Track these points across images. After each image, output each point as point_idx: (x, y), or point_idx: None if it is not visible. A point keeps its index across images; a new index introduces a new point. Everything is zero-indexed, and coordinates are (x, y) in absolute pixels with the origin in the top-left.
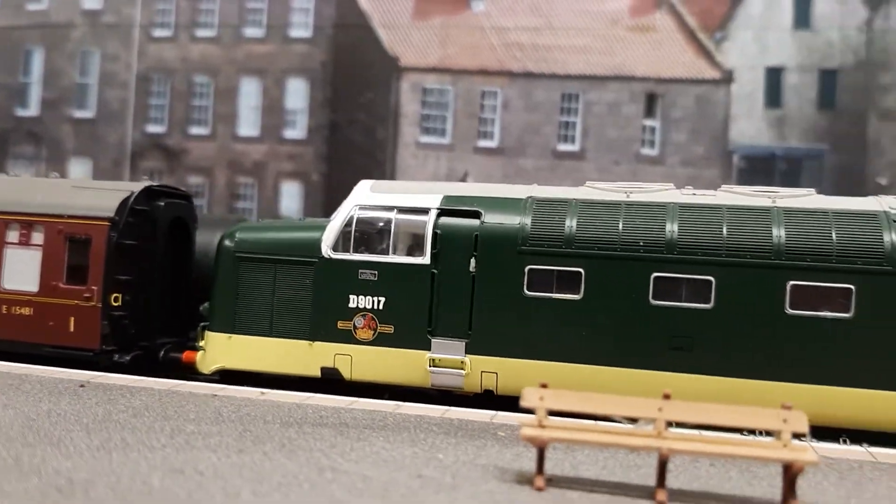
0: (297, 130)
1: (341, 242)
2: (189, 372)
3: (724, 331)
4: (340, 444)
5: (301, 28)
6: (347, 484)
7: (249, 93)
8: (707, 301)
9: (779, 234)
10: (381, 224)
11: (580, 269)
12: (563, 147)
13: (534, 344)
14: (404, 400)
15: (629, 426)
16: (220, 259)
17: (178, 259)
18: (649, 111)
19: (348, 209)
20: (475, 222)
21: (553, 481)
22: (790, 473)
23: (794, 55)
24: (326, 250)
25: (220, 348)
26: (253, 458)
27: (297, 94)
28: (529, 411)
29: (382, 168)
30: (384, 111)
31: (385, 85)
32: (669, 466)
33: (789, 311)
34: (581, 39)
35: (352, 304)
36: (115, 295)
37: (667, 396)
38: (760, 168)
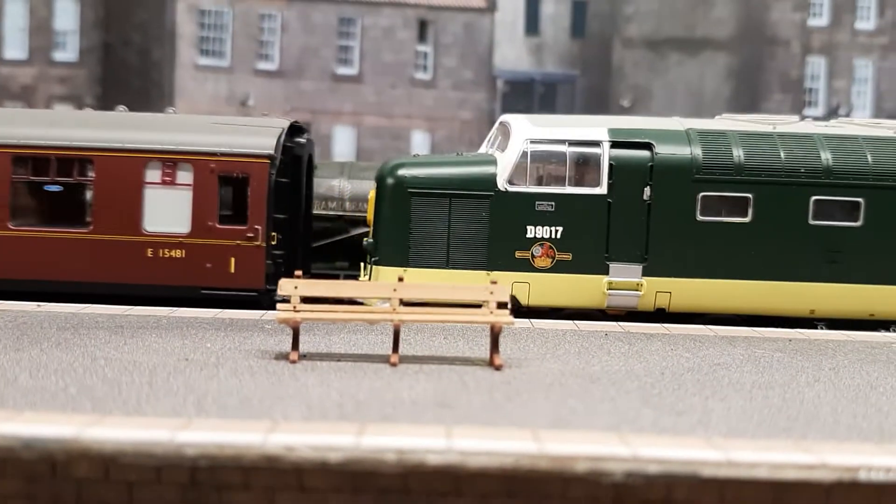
0: (68, 52)
1: (517, 175)
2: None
3: (870, 245)
4: (114, 340)
5: None
6: (118, 367)
7: (15, 13)
8: (856, 220)
9: None
10: (556, 157)
11: (749, 195)
12: (342, 70)
13: (706, 264)
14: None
15: (376, 306)
16: (389, 194)
17: (308, 195)
18: (422, 37)
19: (519, 143)
20: (646, 153)
21: (307, 357)
22: (493, 333)
23: None
24: (503, 183)
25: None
26: (30, 353)
27: (66, 13)
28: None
29: (160, 90)
30: (159, 32)
31: (159, 4)
32: (411, 341)
33: None
34: None
35: (529, 235)
36: (272, 234)
37: (400, 279)
38: (521, 91)
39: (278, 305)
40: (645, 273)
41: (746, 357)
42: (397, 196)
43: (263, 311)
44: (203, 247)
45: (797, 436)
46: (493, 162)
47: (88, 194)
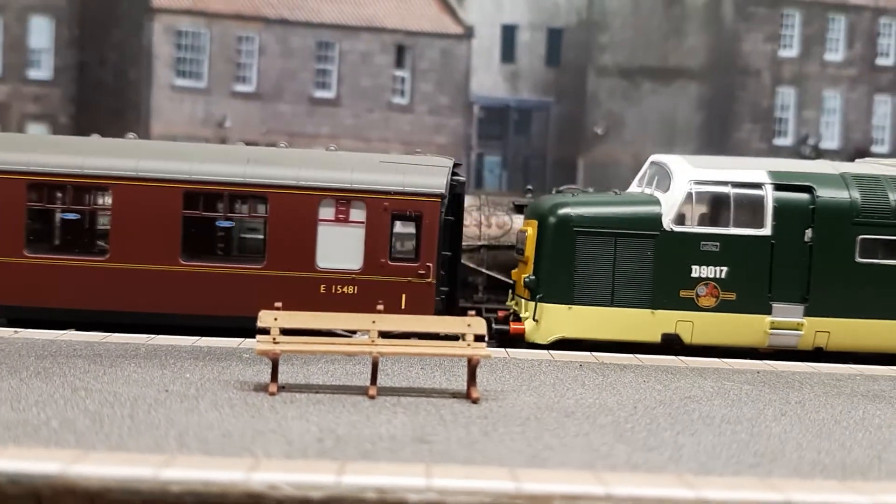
0: (42, 71)
1: (682, 216)
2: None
3: None
4: (93, 370)
5: None
6: (99, 399)
7: None
8: None
9: None
10: (719, 198)
11: None
12: (320, 93)
13: (864, 304)
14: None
15: (353, 337)
16: (553, 232)
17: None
18: (399, 62)
19: (684, 184)
20: (807, 196)
21: (286, 388)
22: (470, 366)
23: (526, 14)
24: (668, 224)
25: (557, 319)
26: (10, 383)
27: (41, 31)
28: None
29: (136, 110)
30: (136, 52)
31: (136, 24)
32: (389, 371)
33: None
34: None
35: (694, 274)
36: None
37: (379, 311)
38: (497, 118)
39: (257, 336)
40: (806, 313)
41: (716, 390)
42: (562, 234)
43: (241, 340)
44: (375, 283)
45: (763, 472)
46: (657, 202)
47: (260, 231)
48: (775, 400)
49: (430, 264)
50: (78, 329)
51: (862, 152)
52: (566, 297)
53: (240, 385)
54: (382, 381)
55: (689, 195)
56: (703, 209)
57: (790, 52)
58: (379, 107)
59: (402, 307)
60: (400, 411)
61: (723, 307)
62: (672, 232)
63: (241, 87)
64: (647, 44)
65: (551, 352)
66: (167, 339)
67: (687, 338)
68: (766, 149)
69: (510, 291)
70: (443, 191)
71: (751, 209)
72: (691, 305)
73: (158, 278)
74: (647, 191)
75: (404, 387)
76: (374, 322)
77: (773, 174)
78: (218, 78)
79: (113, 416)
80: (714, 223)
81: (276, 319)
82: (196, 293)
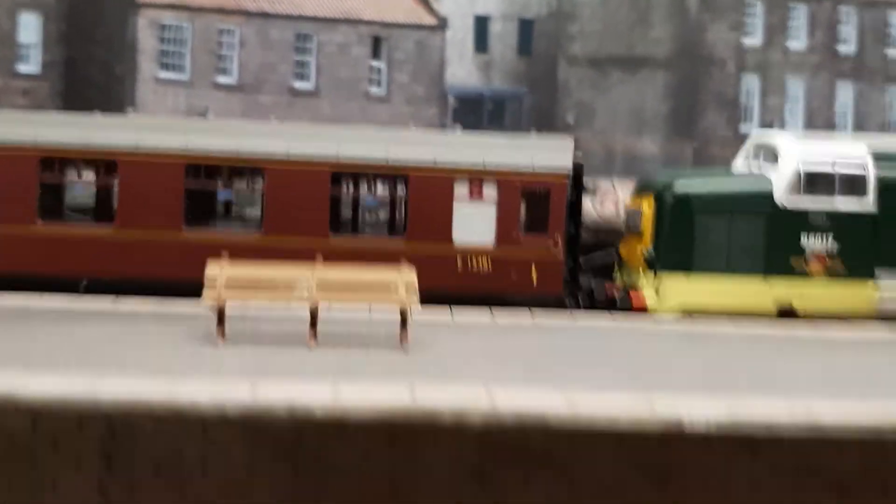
0: (31, 65)
1: (793, 192)
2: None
3: None
4: (61, 324)
5: None
6: (56, 341)
7: None
8: None
9: None
10: (826, 175)
11: None
12: (299, 85)
13: None
14: None
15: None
16: (672, 208)
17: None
18: (376, 53)
19: (793, 162)
20: None
21: (234, 339)
22: (401, 314)
23: (499, 5)
24: (780, 200)
25: (677, 290)
26: None
27: (30, 27)
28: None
29: (121, 104)
30: (121, 46)
31: (121, 20)
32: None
33: None
34: None
35: (804, 246)
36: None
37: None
38: (471, 108)
39: (205, 290)
40: None
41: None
42: (681, 209)
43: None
44: (507, 258)
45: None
46: (768, 179)
47: (399, 208)
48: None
49: (559, 239)
50: None
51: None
52: (684, 269)
53: (192, 337)
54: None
55: (798, 172)
56: (812, 185)
57: (754, 40)
58: (356, 97)
59: (533, 279)
60: (331, 353)
61: (832, 277)
62: (784, 208)
63: (222, 79)
64: (615, 34)
65: (495, 314)
66: (133, 303)
67: (799, 305)
68: (731, 136)
69: (615, 265)
70: (569, 169)
71: (854, 185)
72: (802, 276)
73: (310, 254)
74: (754, 168)
75: (339, 334)
76: (312, 273)
77: (873, 151)
78: (200, 70)
79: (63, 350)
80: (822, 198)
81: (221, 270)
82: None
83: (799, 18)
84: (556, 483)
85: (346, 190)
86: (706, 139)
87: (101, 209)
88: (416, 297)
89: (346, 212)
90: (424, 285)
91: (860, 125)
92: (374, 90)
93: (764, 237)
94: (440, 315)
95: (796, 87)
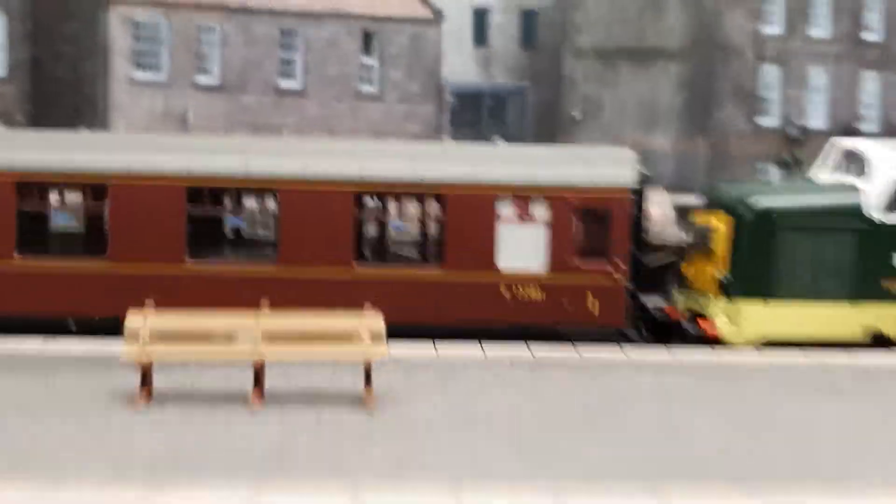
0: None
1: (888, 205)
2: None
3: None
4: None
5: None
6: None
7: None
8: None
9: None
10: None
11: None
12: (286, 84)
13: None
14: None
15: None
16: (750, 226)
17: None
18: (367, 49)
19: (889, 173)
20: None
21: (163, 397)
22: (365, 368)
23: None
24: (873, 213)
25: (756, 318)
26: None
27: None
28: None
29: (93, 105)
30: (92, 45)
31: (91, 16)
32: (279, 374)
33: None
34: None
35: None
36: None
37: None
38: (470, 104)
39: (125, 343)
40: None
41: (652, 386)
42: (761, 227)
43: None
44: (560, 284)
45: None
46: (856, 190)
47: (437, 231)
48: (713, 397)
49: (621, 264)
50: None
51: (850, 131)
52: (764, 293)
53: (110, 395)
54: (283, 384)
55: (894, 184)
56: None
57: (773, 29)
58: (347, 96)
59: (590, 308)
60: (275, 422)
61: None
62: (878, 222)
63: (203, 79)
64: (624, 23)
65: (484, 345)
66: (62, 344)
67: (890, 331)
68: (750, 129)
69: (676, 286)
70: (632, 184)
71: None
72: (894, 300)
73: (333, 285)
74: (838, 178)
75: (296, 391)
76: (257, 323)
77: None
78: (178, 70)
79: None
80: None
81: (145, 321)
82: (371, 299)
83: (821, 5)
84: None
85: (373, 213)
86: (723, 134)
87: (91, 239)
88: (383, 347)
89: (373, 237)
90: (466, 317)
91: (887, 117)
92: (365, 88)
93: (853, 256)
94: (430, 351)
95: (819, 78)
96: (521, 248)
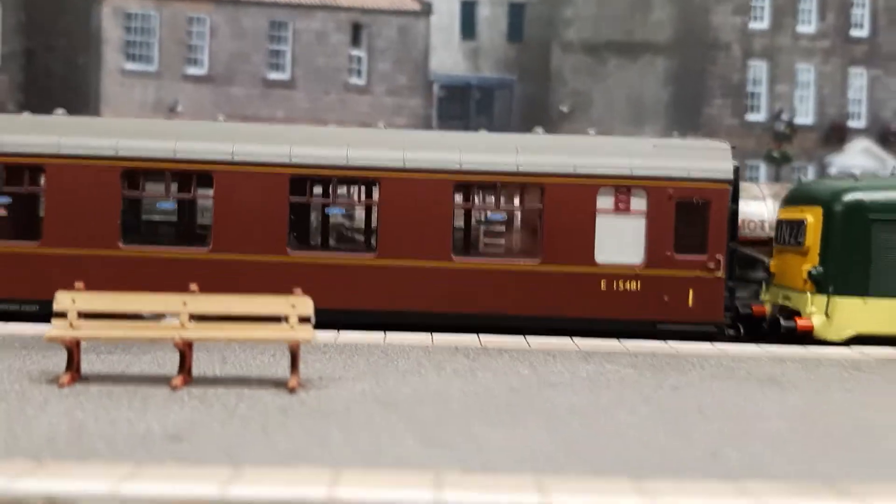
0: None
1: None
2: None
3: None
4: None
5: None
6: None
7: None
8: None
9: None
10: None
11: None
12: (274, 75)
13: None
14: None
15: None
16: (843, 221)
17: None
18: (355, 41)
19: None
20: None
21: (88, 379)
22: (291, 351)
23: None
24: None
25: (852, 314)
26: None
27: None
28: None
29: (85, 96)
30: (84, 36)
31: (84, 9)
32: (232, 360)
33: None
34: None
35: None
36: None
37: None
38: (458, 97)
39: (52, 321)
40: None
41: (589, 374)
42: (855, 221)
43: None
44: (659, 278)
45: (550, 471)
46: None
47: (532, 223)
48: (648, 385)
49: (720, 257)
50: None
51: (838, 127)
52: (860, 289)
53: (40, 376)
54: (209, 368)
55: None
56: None
57: (761, 24)
58: (335, 88)
59: (690, 303)
60: (193, 404)
61: None
62: None
63: (192, 70)
64: (613, 17)
65: (433, 334)
66: (8, 326)
67: None
68: (737, 125)
69: (763, 283)
70: (731, 176)
71: None
72: None
73: (430, 276)
74: None
75: (223, 376)
76: (184, 304)
77: None
78: (168, 61)
79: None
80: None
81: (73, 301)
82: (468, 291)
83: (808, 1)
84: None
85: (469, 203)
86: (711, 129)
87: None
88: (310, 332)
89: (469, 229)
90: (562, 311)
91: (875, 114)
92: (353, 80)
93: None
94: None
95: (806, 74)
96: (620, 241)
